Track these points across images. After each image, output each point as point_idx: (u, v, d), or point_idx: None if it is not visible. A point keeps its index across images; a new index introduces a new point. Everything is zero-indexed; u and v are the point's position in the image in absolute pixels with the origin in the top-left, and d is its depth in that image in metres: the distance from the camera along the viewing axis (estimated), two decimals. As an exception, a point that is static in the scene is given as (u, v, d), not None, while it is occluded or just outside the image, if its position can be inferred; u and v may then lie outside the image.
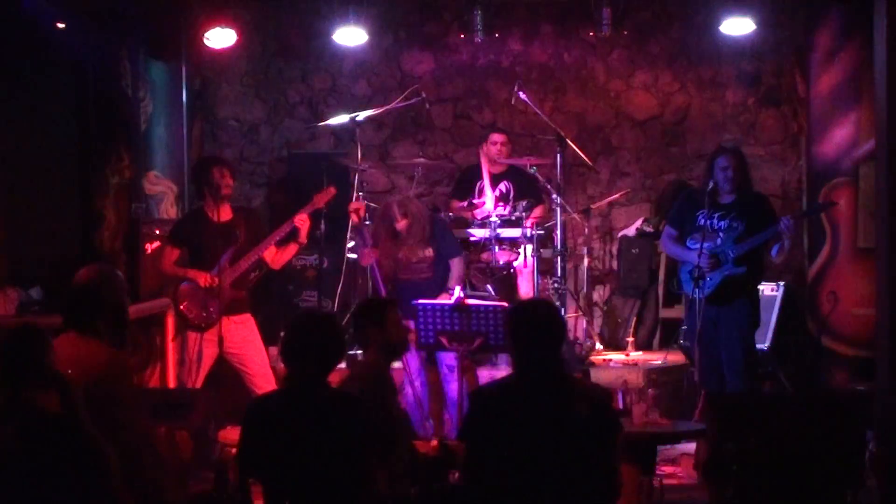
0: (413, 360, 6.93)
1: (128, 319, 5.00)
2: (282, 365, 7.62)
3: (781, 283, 8.44)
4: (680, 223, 6.92)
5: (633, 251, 9.02)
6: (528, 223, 7.94)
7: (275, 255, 7.10)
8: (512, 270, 8.24)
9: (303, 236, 7.05)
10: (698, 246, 6.67)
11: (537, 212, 8.27)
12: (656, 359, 8.16)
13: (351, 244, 7.81)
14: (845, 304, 8.27)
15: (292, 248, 7.11)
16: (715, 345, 6.71)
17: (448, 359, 6.86)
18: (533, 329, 4.31)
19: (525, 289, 8.18)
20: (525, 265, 8.12)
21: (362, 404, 4.34)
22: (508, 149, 8.64)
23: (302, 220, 7.01)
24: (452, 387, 6.84)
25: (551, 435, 4.16)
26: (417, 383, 6.94)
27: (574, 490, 4.17)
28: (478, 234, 8.03)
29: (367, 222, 7.09)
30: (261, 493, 5.89)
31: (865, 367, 7.80)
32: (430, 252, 7.14)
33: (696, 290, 6.66)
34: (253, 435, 4.28)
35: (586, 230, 8.49)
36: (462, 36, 9.10)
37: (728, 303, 6.67)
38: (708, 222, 6.69)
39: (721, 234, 6.71)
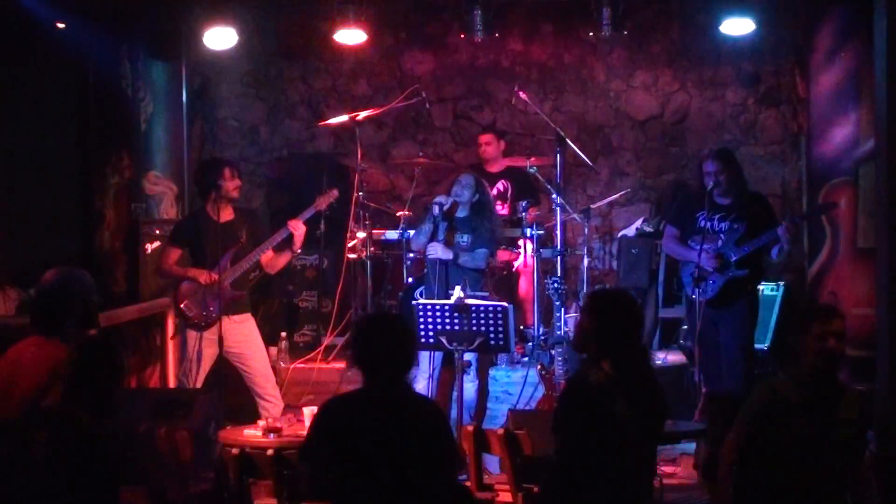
0: (425, 358, 6.93)
1: (95, 321, 4.94)
2: (282, 364, 7.74)
3: (781, 283, 8.44)
4: (681, 223, 6.92)
5: (633, 251, 9.01)
6: (528, 217, 7.92)
7: (270, 260, 7.11)
8: (514, 270, 8.24)
9: (297, 245, 7.03)
10: (699, 247, 6.67)
11: (533, 212, 8.29)
12: (656, 359, 8.16)
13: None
14: (845, 304, 8.25)
15: (286, 256, 7.11)
16: (715, 345, 6.71)
17: (466, 359, 6.82)
18: (625, 319, 4.36)
19: (525, 288, 8.18)
20: (525, 265, 8.13)
21: (440, 409, 4.36)
22: (495, 147, 8.64)
23: (296, 227, 6.99)
24: (467, 387, 6.84)
25: (642, 424, 4.27)
26: (423, 384, 6.93)
27: (646, 472, 4.35)
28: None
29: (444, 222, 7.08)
30: (261, 493, 5.93)
31: (865, 367, 7.80)
32: (468, 238, 7.13)
33: (696, 290, 6.66)
34: (330, 432, 4.24)
35: (586, 230, 8.48)
36: (462, 36, 9.08)
37: (729, 305, 6.68)
38: (708, 224, 6.69)
39: (722, 235, 6.71)
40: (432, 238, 7.03)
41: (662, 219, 9.03)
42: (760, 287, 8.01)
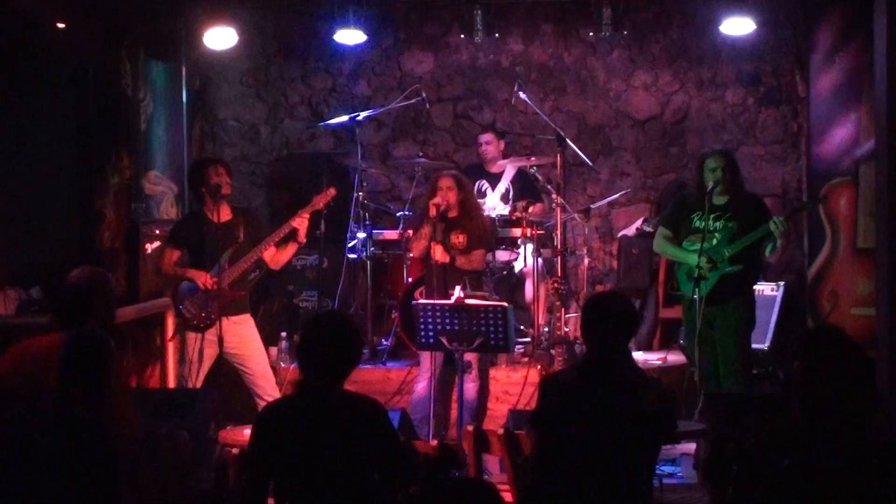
0: (426, 357, 6.94)
1: (114, 322, 5.02)
2: (282, 364, 7.74)
3: (781, 283, 8.44)
4: (675, 225, 6.94)
5: (633, 251, 9.02)
6: (525, 217, 7.91)
7: (274, 256, 7.10)
8: (519, 272, 8.22)
9: (301, 236, 7.04)
10: (696, 247, 6.68)
11: (536, 209, 8.28)
12: (656, 359, 8.16)
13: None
14: (845, 304, 8.26)
15: (291, 248, 7.11)
16: (712, 344, 6.72)
17: (467, 359, 6.80)
18: (605, 321, 4.40)
19: (530, 290, 8.16)
20: (525, 266, 8.12)
21: (379, 409, 4.29)
22: (496, 147, 8.64)
23: (300, 221, 7.00)
24: (469, 387, 6.85)
25: (619, 424, 4.26)
26: (425, 384, 6.93)
27: (635, 475, 4.32)
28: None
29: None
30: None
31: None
32: (463, 238, 7.14)
33: (696, 290, 6.67)
34: (265, 439, 4.22)
35: (586, 230, 8.48)
36: (462, 36, 9.10)
37: (724, 302, 6.69)
38: (703, 223, 6.71)
39: (717, 234, 6.73)
40: (431, 240, 7.04)
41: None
42: (760, 287, 8.02)
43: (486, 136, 8.71)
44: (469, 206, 7.22)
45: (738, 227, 6.71)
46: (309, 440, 4.11)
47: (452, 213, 7.16)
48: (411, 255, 7.65)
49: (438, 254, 7.00)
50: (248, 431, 5.76)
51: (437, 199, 7.06)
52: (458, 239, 7.12)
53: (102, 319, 4.91)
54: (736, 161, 6.93)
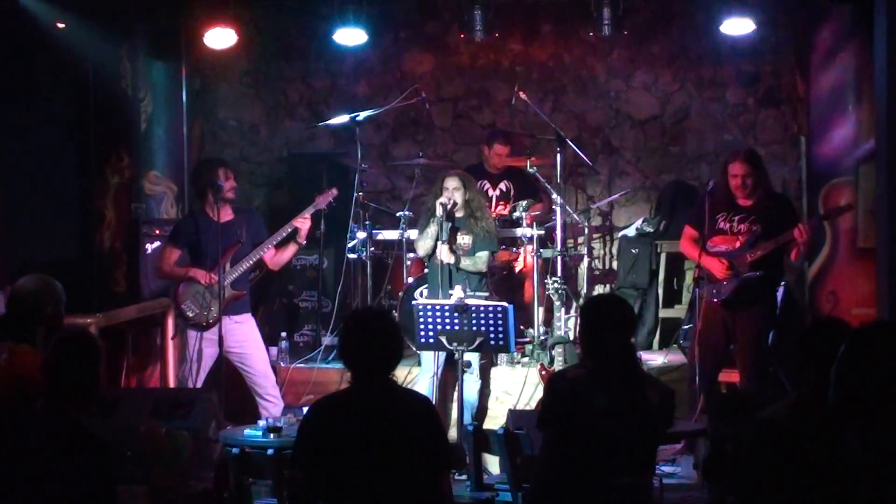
0: (428, 357, 6.93)
1: (61, 327, 5.00)
2: (282, 364, 7.74)
3: (781, 283, 8.43)
4: (700, 225, 6.90)
5: (633, 251, 9.01)
6: (527, 219, 7.90)
7: (274, 257, 7.11)
8: (517, 272, 8.21)
9: (302, 237, 7.05)
10: (716, 249, 6.66)
11: (536, 209, 8.28)
12: (656, 359, 8.16)
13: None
14: (845, 304, 8.25)
15: (291, 249, 7.12)
16: (719, 346, 6.71)
17: (468, 359, 6.78)
18: (606, 321, 4.42)
19: (531, 290, 8.15)
20: (525, 265, 8.11)
21: (430, 404, 4.28)
22: (508, 155, 8.64)
23: (302, 221, 7.01)
24: (470, 387, 6.84)
25: (627, 421, 4.29)
26: (426, 384, 6.93)
27: (638, 472, 4.35)
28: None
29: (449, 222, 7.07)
30: (261, 493, 5.92)
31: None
32: (469, 239, 7.13)
33: (695, 289, 6.68)
34: (316, 433, 4.18)
35: (586, 230, 8.48)
36: (462, 36, 9.09)
37: (744, 307, 6.67)
38: (727, 225, 6.70)
39: (740, 237, 6.71)
40: (437, 240, 7.02)
41: (663, 219, 9.03)
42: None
43: (506, 149, 8.57)
44: (475, 206, 7.20)
45: (764, 230, 6.67)
46: (363, 434, 4.07)
47: (459, 214, 7.15)
48: (414, 255, 7.65)
49: (444, 254, 6.99)
50: (248, 431, 5.80)
51: (443, 199, 7.05)
52: (464, 240, 7.12)
53: (50, 327, 4.88)
54: (761, 163, 6.87)
